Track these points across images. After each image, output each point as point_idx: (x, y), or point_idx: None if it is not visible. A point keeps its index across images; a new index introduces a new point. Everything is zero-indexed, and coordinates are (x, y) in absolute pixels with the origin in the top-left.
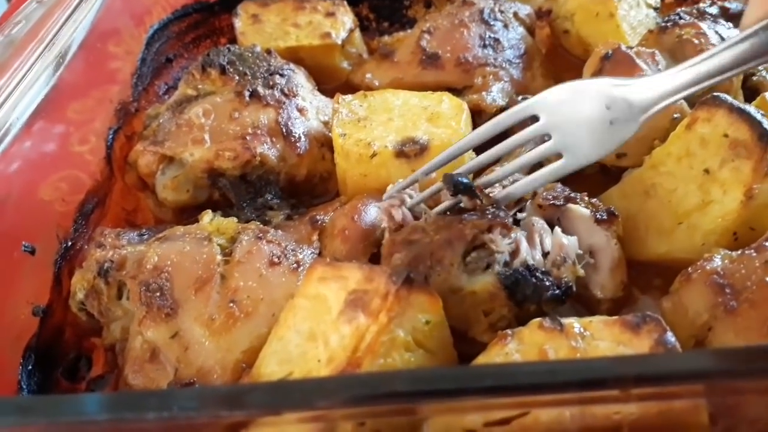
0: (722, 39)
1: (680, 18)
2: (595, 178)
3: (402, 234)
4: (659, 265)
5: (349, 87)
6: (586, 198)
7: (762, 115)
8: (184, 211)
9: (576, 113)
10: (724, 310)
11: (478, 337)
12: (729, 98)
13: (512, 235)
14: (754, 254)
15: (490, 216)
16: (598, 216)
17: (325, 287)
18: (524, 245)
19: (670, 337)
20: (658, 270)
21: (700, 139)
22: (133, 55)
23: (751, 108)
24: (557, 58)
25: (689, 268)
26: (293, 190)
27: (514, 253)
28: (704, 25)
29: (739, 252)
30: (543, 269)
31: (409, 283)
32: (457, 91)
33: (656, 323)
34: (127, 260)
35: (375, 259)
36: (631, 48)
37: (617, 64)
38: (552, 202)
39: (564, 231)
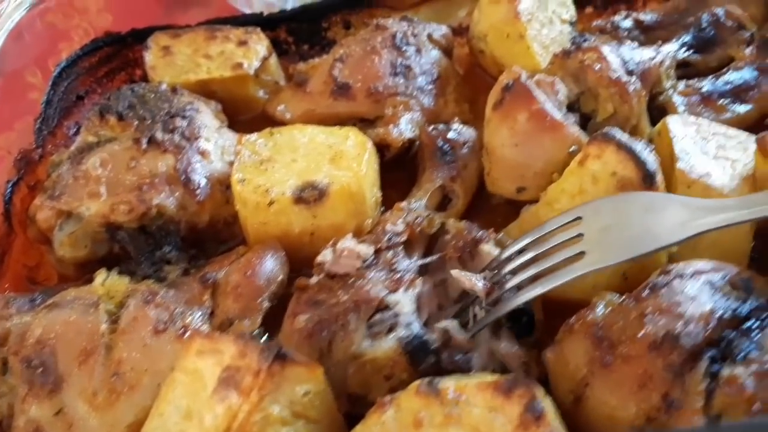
0: (624, 62)
1: (585, 40)
2: (502, 209)
3: (308, 293)
4: (557, 303)
5: (265, 118)
6: (494, 235)
7: (650, 151)
8: (85, 265)
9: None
10: (600, 365)
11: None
12: (618, 134)
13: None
14: (632, 304)
15: (399, 275)
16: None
17: (202, 362)
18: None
19: (539, 404)
20: (556, 309)
21: (592, 176)
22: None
23: (638, 145)
24: (476, 77)
25: (572, 318)
26: (196, 237)
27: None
28: (606, 50)
29: (622, 299)
30: (445, 329)
31: (281, 358)
32: (369, 122)
33: (526, 388)
34: (10, 334)
35: (280, 312)
36: (532, 77)
37: (517, 95)
38: (463, 244)
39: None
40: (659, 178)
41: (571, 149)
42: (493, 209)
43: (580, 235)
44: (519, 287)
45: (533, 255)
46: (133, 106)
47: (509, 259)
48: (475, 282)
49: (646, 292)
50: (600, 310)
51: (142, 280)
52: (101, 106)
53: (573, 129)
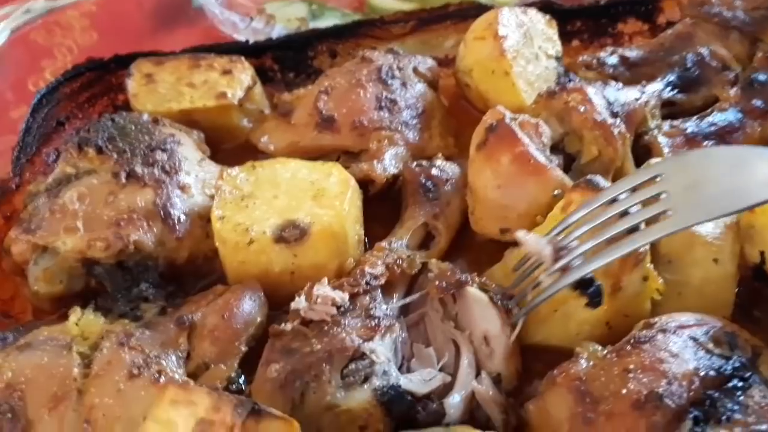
0: (609, 103)
1: (569, 80)
2: (486, 247)
3: (282, 340)
4: (538, 349)
5: (249, 147)
6: (478, 278)
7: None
8: (61, 299)
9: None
10: (583, 421)
11: None
12: (601, 182)
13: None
14: (615, 359)
15: (375, 321)
16: (495, 300)
17: (176, 412)
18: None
19: None
20: (537, 353)
21: None
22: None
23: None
24: (461, 109)
25: (555, 370)
26: (175, 273)
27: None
28: (591, 91)
29: (605, 352)
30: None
31: (256, 413)
32: (353, 155)
33: None
34: None
35: (258, 353)
36: (516, 119)
37: (501, 137)
38: (446, 286)
39: (458, 316)
40: None
41: (555, 192)
42: (478, 247)
43: (657, 195)
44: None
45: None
46: (113, 138)
47: (575, 223)
48: (542, 246)
49: (629, 347)
50: (583, 362)
51: (117, 319)
52: (80, 138)
53: (557, 172)
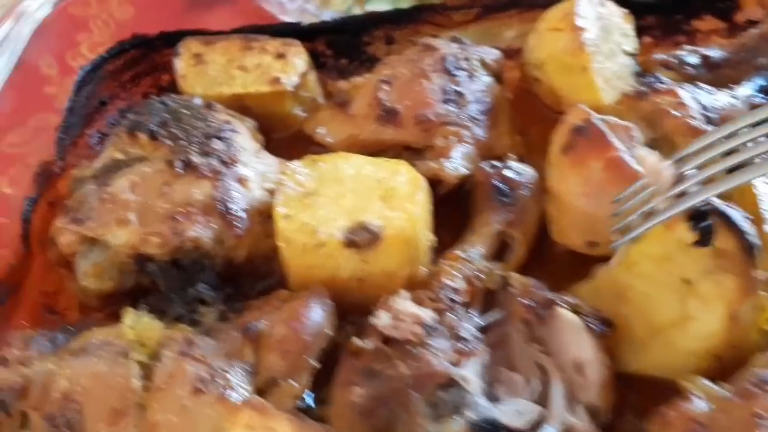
0: (704, 108)
1: (658, 81)
2: (563, 259)
3: (362, 360)
4: (633, 379)
5: (302, 137)
6: (569, 299)
7: (749, 222)
8: (110, 296)
9: None
10: None
11: None
12: (715, 199)
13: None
14: (739, 401)
15: (463, 344)
16: (591, 325)
17: None
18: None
19: None
20: (631, 383)
21: (680, 243)
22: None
23: (736, 213)
24: (526, 105)
25: (667, 408)
26: (232, 273)
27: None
28: (684, 93)
29: (723, 391)
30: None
31: None
32: (415, 151)
33: None
34: (32, 385)
35: (326, 372)
36: (605, 120)
37: (591, 140)
38: (532, 305)
39: (544, 339)
40: (761, 252)
41: None
42: (553, 258)
43: None
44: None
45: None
46: (166, 123)
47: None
48: (663, 167)
49: (753, 387)
50: (699, 402)
51: (174, 322)
52: (131, 122)
53: None
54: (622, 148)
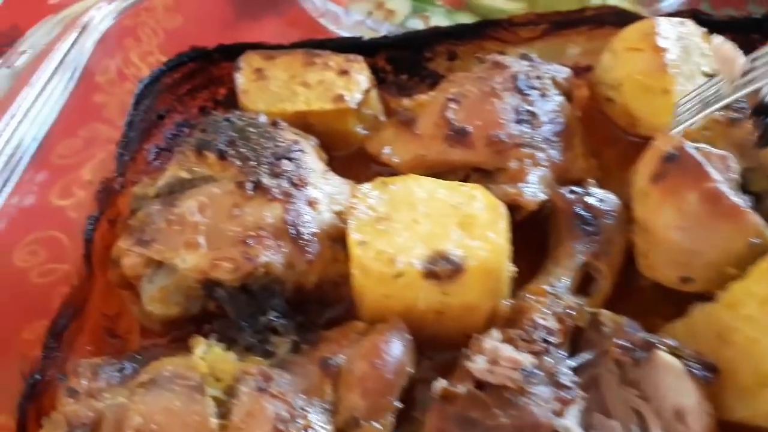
0: None
1: (743, 107)
2: (648, 293)
3: (456, 406)
4: (736, 427)
5: (364, 155)
6: (668, 341)
7: None
8: (174, 322)
9: None
10: None
11: None
12: None
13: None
14: None
15: (565, 391)
16: (694, 370)
17: None
18: None
19: None
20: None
21: None
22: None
23: None
24: (595, 125)
25: None
26: (301, 300)
27: None
28: None
29: None
30: None
31: None
32: (485, 173)
33: None
34: (104, 419)
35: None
36: (699, 149)
37: (685, 170)
38: (629, 347)
39: (638, 383)
40: None
41: (752, 240)
42: (637, 291)
43: None
44: None
45: None
46: (234, 142)
47: None
48: (737, 55)
49: None
50: None
51: (245, 352)
52: (198, 140)
53: (754, 217)
54: (719, 178)
